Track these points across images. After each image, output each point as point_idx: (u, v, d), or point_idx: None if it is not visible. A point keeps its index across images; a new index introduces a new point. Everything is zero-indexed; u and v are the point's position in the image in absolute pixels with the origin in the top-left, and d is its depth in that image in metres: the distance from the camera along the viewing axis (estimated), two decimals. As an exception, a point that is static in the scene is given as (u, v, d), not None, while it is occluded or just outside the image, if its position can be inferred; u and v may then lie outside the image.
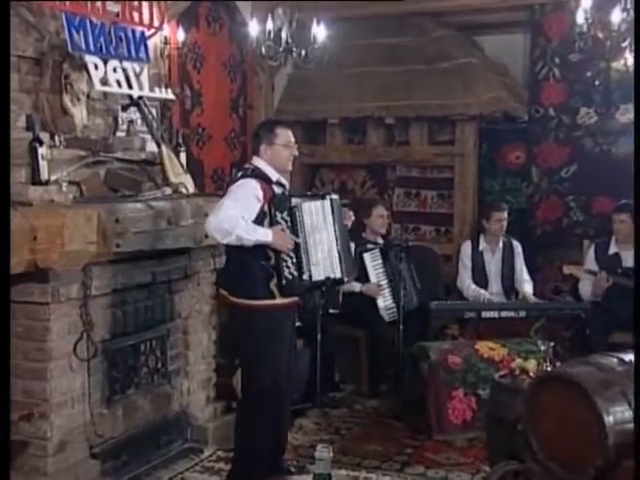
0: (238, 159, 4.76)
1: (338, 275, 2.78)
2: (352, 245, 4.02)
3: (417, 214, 4.90)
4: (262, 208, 2.68)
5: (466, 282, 4.20)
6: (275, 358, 2.73)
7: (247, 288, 2.70)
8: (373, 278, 4.08)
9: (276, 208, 2.70)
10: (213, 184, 4.51)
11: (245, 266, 2.69)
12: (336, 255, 2.77)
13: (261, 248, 2.67)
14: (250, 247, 2.63)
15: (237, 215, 2.58)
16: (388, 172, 4.98)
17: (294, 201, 2.74)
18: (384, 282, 4.05)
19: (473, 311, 3.89)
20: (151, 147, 3.26)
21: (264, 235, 2.64)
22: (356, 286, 4.01)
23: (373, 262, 4.10)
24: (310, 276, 2.72)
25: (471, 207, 4.67)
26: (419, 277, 4.10)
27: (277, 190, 2.74)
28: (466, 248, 4.26)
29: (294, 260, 2.71)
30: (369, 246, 4.16)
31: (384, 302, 4.01)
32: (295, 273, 2.71)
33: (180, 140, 3.56)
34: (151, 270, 2.99)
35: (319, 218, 2.76)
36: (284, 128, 2.78)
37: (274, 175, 2.74)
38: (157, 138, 3.22)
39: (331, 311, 3.76)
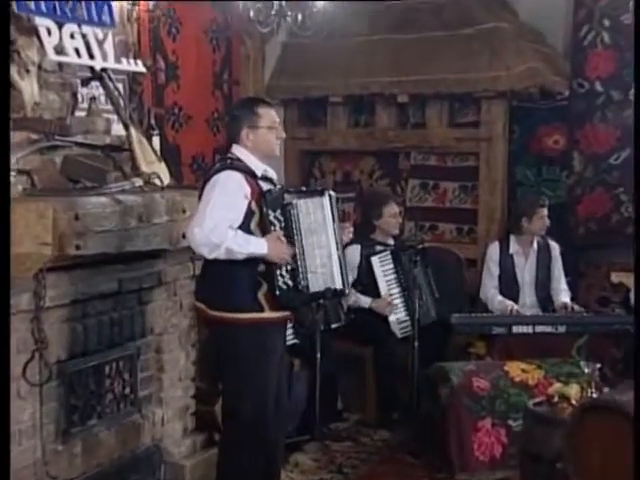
0: (222, 145, 4.72)
1: (339, 285, 2.80)
2: (357, 247, 4.08)
3: (435, 210, 4.88)
4: (249, 206, 2.69)
5: (490, 292, 4.18)
6: (264, 382, 2.74)
7: (230, 298, 2.70)
8: (383, 286, 4.07)
9: (268, 206, 2.71)
10: (192, 174, 4.49)
11: (228, 273, 2.69)
12: (337, 262, 2.79)
13: None
14: None
15: (225, 223, 2.60)
16: (401, 160, 4.96)
17: (288, 198, 2.75)
18: (396, 291, 4.06)
19: (502, 325, 3.88)
20: (118, 130, 3.24)
21: (258, 247, 2.65)
22: (365, 301, 4.02)
23: (383, 267, 4.10)
24: (307, 286, 2.73)
25: (500, 202, 4.65)
26: (437, 285, 4.08)
27: (264, 186, 2.76)
28: (493, 251, 4.24)
29: (289, 267, 2.71)
30: (378, 248, 4.15)
31: (396, 315, 4.02)
32: (290, 283, 2.71)
33: (152, 122, 3.56)
34: (118, 277, 2.98)
35: (317, 218, 2.78)
36: (267, 107, 2.79)
37: (259, 168, 2.75)
38: (125, 119, 3.21)
39: (333, 326, 3.75)
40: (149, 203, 2.93)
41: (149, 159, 3.22)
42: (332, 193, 2.85)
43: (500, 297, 4.14)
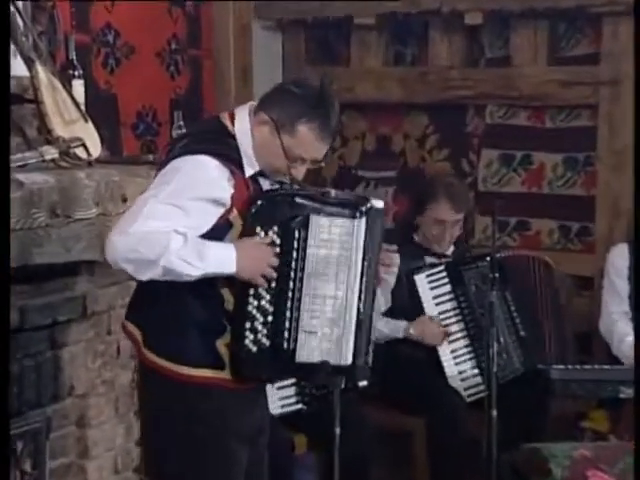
0: (184, 93, 4.74)
1: (345, 360, 2.78)
2: (396, 259, 4.06)
3: (525, 198, 4.88)
4: (225, 216, 2.67)
5: (618, 328, 4.15)
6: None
7: (173, 340, 2.72)
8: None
9: (256, 218, 2.68)
10: (136, 139, 4.50)
11: (174, 298, 2.69)
12: (353, 324, 2.77)
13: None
14: None
15: (165, 229, 2.58)
16: (469, 118, 4.97)
17: (298, 206, 2.72)
18: (456, 327, 4.11)
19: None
20: (16, 68, 3.22)
21: (221, 262, 2.62)
22: (398, 327, 4.08)
23: (434, 290, 4.13)
24: (294, 351, 2.72)
25: (631, 184, 4.60)
26: (524, 319, 4.10)
27: (264, 184, 2.76)
28: (618, 259, 4.23)
29: (269, 317, 2.69)
30: (428, 260, 4.17)
31: (458, 365, 4.08)
32: (265, 341, 2.71)
33: (73, 56, 3.52)
34: (19, 305, 3.01)
35: (339, 249, 2.74)
36: (317, 128, 2.70)
37: (253, 164, 2.74)
38: (27, 51, 3.22)
39: (361, 384, 3.74)
40: (68, 187, 2.95)
41: (68, 117, 3.23)
42: (378, 206, 2.76)
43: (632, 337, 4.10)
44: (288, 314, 2.71)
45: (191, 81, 4.79)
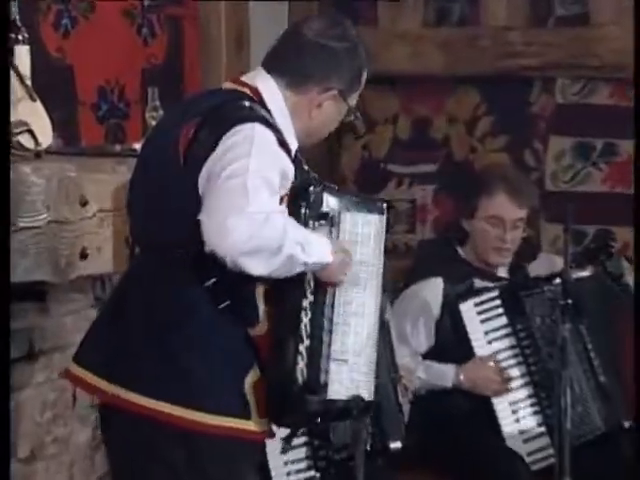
0: (160, 63, 4.78)
1: (368, 395, 2.86)
2: (439, 283, 4.10)
3: (607, 200, 4.93)
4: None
5: None
6: None
7: (185, 380, 2.73)
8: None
9: (310, 207, 2.80)
10: (99, 124, 4.54)
11: (180, 326, 2.71)
12: (372, 349, 2.87)
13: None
14: (195, 266, 2.72)
15: (277, 208, 2.69)
16: (534, 95, 5.03)
17: (329, 200, 2.84)
18: (516, 372, 4.17)
19: None
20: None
21: (321, 248, 2.73)
22: (447, 373, 4.09)
23: (485, 323, 4.16)
24: (326, 385, 2.76)
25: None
26: (606, 360, 4.15)
27: None
28: None
29: (308, 340, 2.73)
30: (477, 283, 4.21)
31: (519, 422, 4.12)
32: (305, 372, 2.74)
33: (15, 14, 3.53)
34: None
35: (366, 253, 2.86)
36: (366, 73, 3.01)
37: (293, 141, 2.88)
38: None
39: (393, 446, 3.73)
40: (11, 185, 2.91)
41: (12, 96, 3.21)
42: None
43: None
44: (325, 337, 2.75)
45: (169, 47, 4.84)
